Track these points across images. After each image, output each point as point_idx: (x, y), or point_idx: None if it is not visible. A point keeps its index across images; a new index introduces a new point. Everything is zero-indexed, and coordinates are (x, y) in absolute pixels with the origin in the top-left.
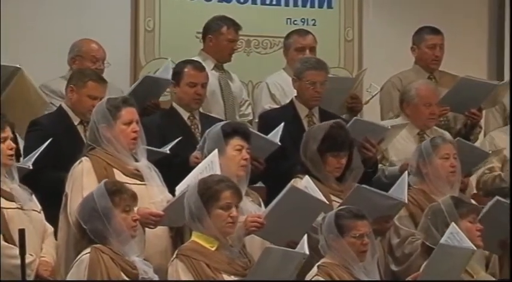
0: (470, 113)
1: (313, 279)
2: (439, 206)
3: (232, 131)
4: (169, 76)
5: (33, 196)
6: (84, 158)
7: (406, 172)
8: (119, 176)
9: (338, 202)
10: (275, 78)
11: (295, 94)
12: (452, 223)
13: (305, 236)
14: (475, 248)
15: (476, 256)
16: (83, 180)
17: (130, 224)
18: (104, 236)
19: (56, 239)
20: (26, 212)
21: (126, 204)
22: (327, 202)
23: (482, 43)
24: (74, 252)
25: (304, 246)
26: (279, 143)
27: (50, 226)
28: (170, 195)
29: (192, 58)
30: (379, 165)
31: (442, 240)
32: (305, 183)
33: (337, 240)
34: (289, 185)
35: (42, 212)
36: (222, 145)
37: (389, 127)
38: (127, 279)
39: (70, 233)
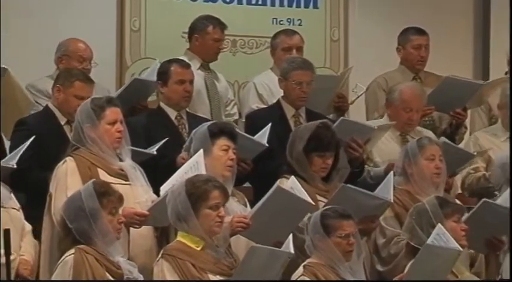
0: (455, 113)
1: (299, 279)
2: (423, 206)
3: (219, 131)
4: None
5: (12, 194)
6: (68, 158)
7: (392, 172)
8: (103, 176)
9: (324, 202)
10: (262, 78)
11: (282, 94)
12: (439, 224)
13: (290, 235)
14: (461, 249)
15: (460, 256)
16: (67, 180)
17: (115, 227)
18: (89, 236)
19: (37, 239)
20: (6, 210)
21: (113, 206)
22: (313, 203)
23: (468, 43)
24: (57, 251)
25: (289, 246)
26: (267, 145)
27: (28, 224)
28: (155, 195)
29: (178, 58)
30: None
31: (429, 241)
32: (291, 184)
33: (323, 240)
34: (275, 186)
35: (21, 210)
36: (208, 145)
37: (375, 127)
38: (112, 279)
39: (54, 234)
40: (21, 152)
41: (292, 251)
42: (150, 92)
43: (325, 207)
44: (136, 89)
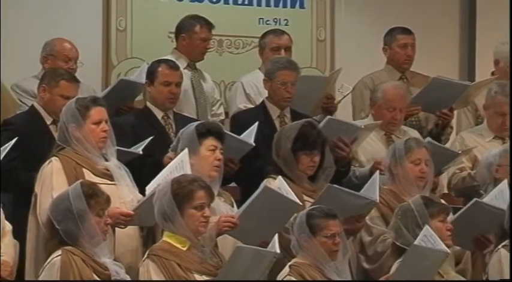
0: (442, 113)
1: (284, 279)
2: (409, 206)
3: (207, 131)
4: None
5: None
6: (53, 158)
7: (378, 172)
8: (89, 176)
9: (311, 202)
10: (250, 78)
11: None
12: (426, 226)
13: (276, 235)
14: (448, 251)
15: None
16: (52, 181)
17: (102, 228)
18: (76, 238)
19: (21, 239)
20: None
21: (100, 208)
22: (300, 203)
23: (454, 42)
24: (43, 252)
25: (275, 245)
26: (253, 144)
27: (8, 224)
28: (140, 195)
29: (168, 58)
30: None
31: (416, 242)
32: (278, 183)
33: (309, 240)
34: (262, 186)
35: (1, 209)
36: (195, 145)
37: (362, 126)
38: (99, 279)
39: (39, 234)
40: (3, 153)
41: (278, 250)
42: (136, 94)
43: (311, 207)
44: (123, 90)
